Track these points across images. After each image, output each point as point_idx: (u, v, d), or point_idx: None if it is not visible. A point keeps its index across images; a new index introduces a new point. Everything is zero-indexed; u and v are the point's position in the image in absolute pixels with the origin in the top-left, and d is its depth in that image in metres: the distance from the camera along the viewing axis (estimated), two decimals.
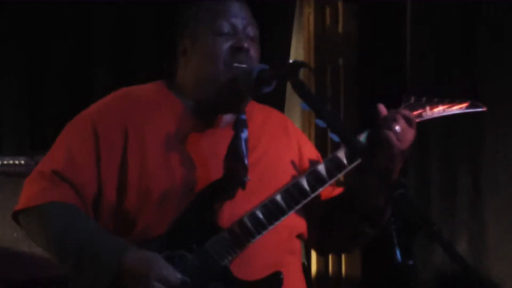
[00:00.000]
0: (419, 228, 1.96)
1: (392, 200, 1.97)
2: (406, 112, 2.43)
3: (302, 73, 2.31)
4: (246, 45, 2.41)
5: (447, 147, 4.11)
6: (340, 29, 4.47)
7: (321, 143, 4.26)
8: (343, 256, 4.37)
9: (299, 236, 2.48)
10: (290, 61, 2.26)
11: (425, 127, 4.08)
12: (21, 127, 4.28)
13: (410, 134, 2.40)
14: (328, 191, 2.54)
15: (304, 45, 4.42)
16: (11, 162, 3.46)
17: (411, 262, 1.93)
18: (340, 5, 4.46)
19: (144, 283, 2.19)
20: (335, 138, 2.22)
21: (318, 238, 2.55)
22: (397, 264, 1.95)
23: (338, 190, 2.57)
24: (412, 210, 1.93)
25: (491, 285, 2.00)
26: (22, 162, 3.46)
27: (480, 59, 4.04)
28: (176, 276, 2.22)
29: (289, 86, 2.27)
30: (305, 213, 2.48)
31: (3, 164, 3.46)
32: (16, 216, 2.40)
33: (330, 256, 4.34)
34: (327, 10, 4.47)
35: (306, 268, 4.22)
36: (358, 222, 2.48)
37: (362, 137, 2.45)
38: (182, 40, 2.50)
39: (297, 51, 4.43)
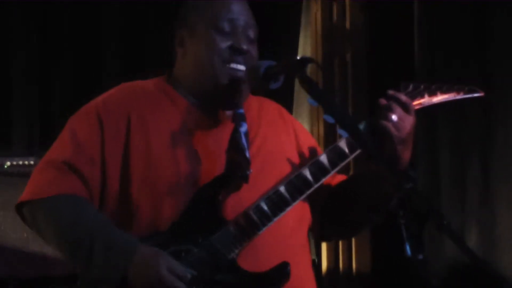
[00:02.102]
0: (429, 221, 1.93)
1: (401, 193, 1.95)
2: (402, 97, 2.37)
3: (309, 69, 2.29)
4: (245, 47, 2.39)
5: (457, 139, 4.11)
6: (347, 24, 4.48)
7: (330, 139, 4.27)
8: (353, 252, 4.39)
9: (306, 227, 2.48)
10: (298, 57, 2.24)
11: (435, 118, 4.08)
12: (31, 127, 4.29)
13: (409, 121, 2.35)
14: (329, 178, 2.51)
15: (312, 41, 4.44)
16: (20, 162, 3.50)
17: (421, 257, 1.90)
18: (347, 0, 4.47)
19: (155, 273, 2.20)
20: (344, 133, 2.20)
21: (320, 224, 2.53)
22: (407, 259, 1.92)
23: (340, 178, 2.56)
24: (421, 204, 1.89)
25: (501, 278, 1.99)
26: (32, 162, 3.50)
27: (491, 52, 4.01)
28: (182, 268, 2.23)
29: (297, 83, 2.25)
30: (308, 200, 2.47)
31: (13, 165, 3.49)
32: (20, 206, 2.37)
33: (340, 252, 4.35)
34: (334, 6, 4.49)
35: (317, 265, 4.22)
36: (363, 209, 2.48)
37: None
38: (180, 30, 2.48)
39: (305, 48, 4.44)
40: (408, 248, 1.90)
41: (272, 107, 2.62)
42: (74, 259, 2.35)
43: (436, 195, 4.09)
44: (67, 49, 4.42)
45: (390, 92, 2.40)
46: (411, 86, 2.48)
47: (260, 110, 2.56)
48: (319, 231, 2.57)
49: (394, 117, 2.34)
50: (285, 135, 2.54)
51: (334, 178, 2.55)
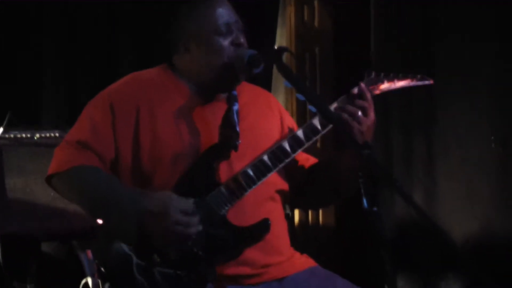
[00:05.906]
0: (383, 182, 2.00)
1: (361, 158, 2.01)
2: (368, 99, 2.44)
3: (285, 58, 2.34)
4: (242, 40, 2.50)
5: (406, 121, 4.18)
6: (316, 24, 4.59)
7: (301, 114, 4.42)
8: None
9: (279, 190, 2.57)
10: (275, 47, 2.30)
11: (387, 105, 4.13)
12: (59, 104, 4.33)
13: (370, 119, 2.43)
14: (304, 159, 2.64)
15: (287, 37, 4.54)
16: (48, 135, 3.54)
17: (375, 209, 1.96)
18: (316, 3, 4.57)
19: (166, 220, 2.24)
20: (313, 109, 2.28)
21: (295, 198, 2.63)
22: (364, 211, 1.98)
23: (312, 161, 2.66)
24: (376, 167, 1.96)
25: (441, 231, 2.04)
26: (57, 134, 3.54)
27: (435, 49, 4.06)
28: (191, 204, 2.29)
29: (275, 68, 2.31)
30: (288, 177, 2.58)
31: (41, 137, 3.54)
32: (49, 179, 2.46)
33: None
34: (306, 8, 4.57)
35: (290, 218, 4.27)
36: (327, 191, 2.57)
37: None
38: (186, 39, 2.53)
39: (281, 42, 4.49)
40: (365, 201, 1.97)
41: (263, 95, 2.72)
42: (96, 215, 2.46)
43: (389, 167, 4.13)
44: (91, 43, 4.44)
45: (362, 85, 2.47)
46: (373, 74, 2.56)
47: (253, 96, 2.65)
48: (292, 202, 2.68)
49: (359, 112, 2.43)
50: (272, 117, 2.64)
51: (308, 160, 2.66)
